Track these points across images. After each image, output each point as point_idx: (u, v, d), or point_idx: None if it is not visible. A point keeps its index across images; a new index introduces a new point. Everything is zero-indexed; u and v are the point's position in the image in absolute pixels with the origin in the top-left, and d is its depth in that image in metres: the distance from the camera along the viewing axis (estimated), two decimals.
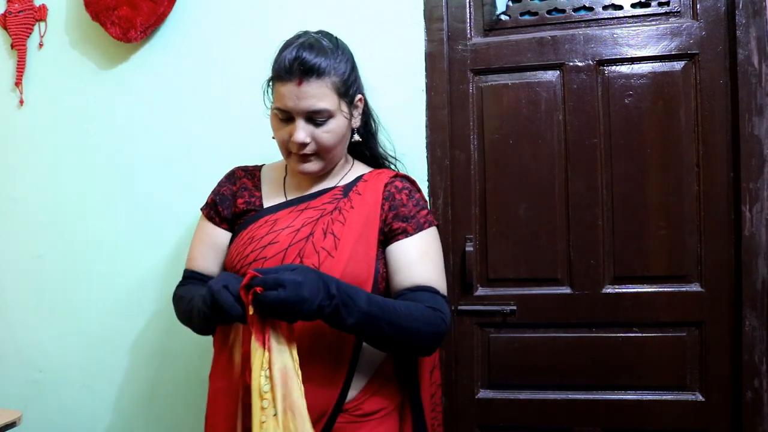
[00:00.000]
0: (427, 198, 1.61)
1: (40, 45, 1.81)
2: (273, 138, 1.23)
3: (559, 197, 1.60)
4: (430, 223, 1.22)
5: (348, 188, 1.24)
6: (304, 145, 1.15)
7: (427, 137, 1.62)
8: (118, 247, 1.76)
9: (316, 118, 1.14)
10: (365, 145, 1.36)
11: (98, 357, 1.78)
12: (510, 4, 1.64)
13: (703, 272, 1.55)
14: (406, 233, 1.18)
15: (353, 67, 1.21)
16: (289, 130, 1.16)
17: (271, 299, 0.94)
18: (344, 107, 1.18)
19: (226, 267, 1.25)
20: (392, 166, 1.44)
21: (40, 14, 1.80)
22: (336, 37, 1.22)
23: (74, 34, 1.80)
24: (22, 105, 1.82)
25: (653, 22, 1.57)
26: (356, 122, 1.24)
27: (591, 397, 1.59)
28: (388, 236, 1.20)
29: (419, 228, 1.19)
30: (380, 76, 1.63)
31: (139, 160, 1.76)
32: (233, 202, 1.28)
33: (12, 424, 1.51)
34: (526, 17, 1.64)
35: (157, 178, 1.75)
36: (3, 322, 1.84)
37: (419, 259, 1.17)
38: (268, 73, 1.22)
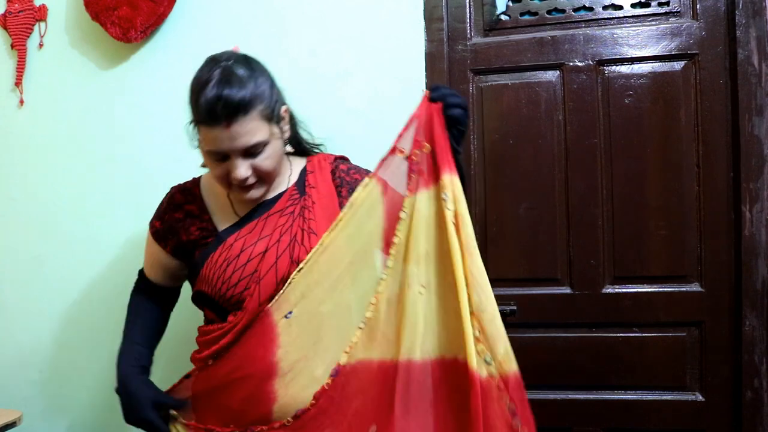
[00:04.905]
0: None
1: (40, 45, 1.81)
2: (202, 166, 1.20)
3: (559, 197, 1.60)
4: None
5: (300, 185, 1.22)
6: (246, 179, 1.12)
7: None
8: (118, 247, 1.76)
9: (252, 151, 1.10)
10: (295, 144, 1.32)
11: (98, 357, 1.77)
12: (510, 4, 1.64)
13: (703, 272, 1.55)
14: None
15: (272, 83, 1.15)
16: (226, 167, 1.12)
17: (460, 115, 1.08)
18: (275, 129, 1.14)
19: (206, 293, 1.19)
20: (316, 151, 1.36)
21: (40, 14, 1.80)
22: (246, 56, 1.15)
23: (74, 34, 1.80)
24: (22, 105, 1.82)
25: (653, 22, 1.57)
26: (287, 134, 1.20)
27: (591, 397, 1.59)
28: None
29: None
30: (380, 76, 1.63)
31: (138, 160, 1.76)
32: (181, 231, 1.23)
33: (12, 424, 1.51)
34: (526, 17, 1.64)
35: (157, 177, 1.73)
36: (3, 322, 1.84)
37: None
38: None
